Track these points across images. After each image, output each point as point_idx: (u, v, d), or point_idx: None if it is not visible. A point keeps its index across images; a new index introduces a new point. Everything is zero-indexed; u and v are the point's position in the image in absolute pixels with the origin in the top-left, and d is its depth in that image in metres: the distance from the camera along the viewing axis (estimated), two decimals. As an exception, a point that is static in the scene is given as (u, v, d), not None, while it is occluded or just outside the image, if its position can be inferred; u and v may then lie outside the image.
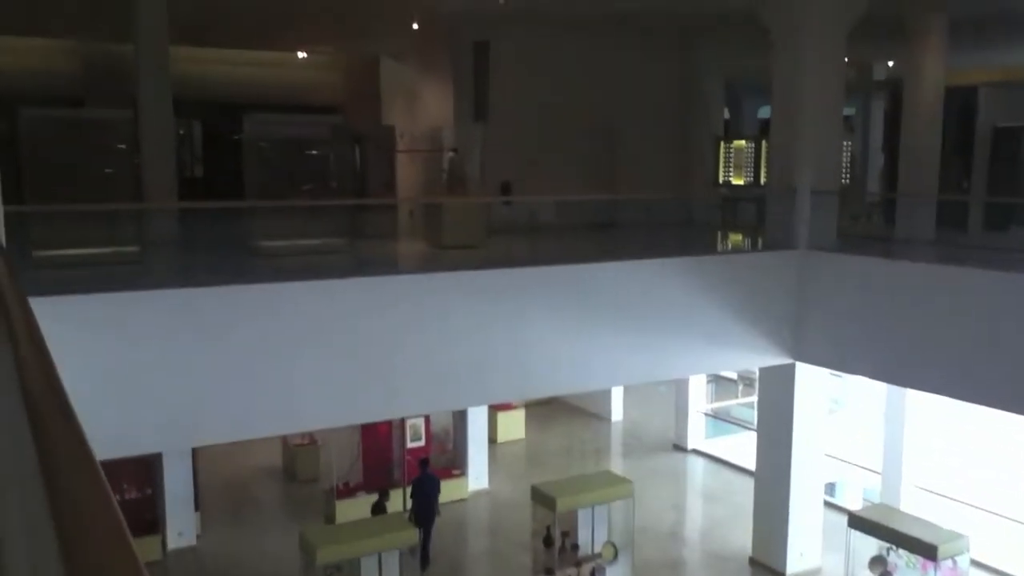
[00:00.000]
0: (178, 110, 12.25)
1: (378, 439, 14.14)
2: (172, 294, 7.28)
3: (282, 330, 7.55)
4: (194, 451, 11.97)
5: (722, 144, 17.23)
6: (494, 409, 15.40)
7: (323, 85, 17.92)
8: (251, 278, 8.03)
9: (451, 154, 13.78)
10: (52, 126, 9.87)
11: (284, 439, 14.10)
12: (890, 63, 17.08)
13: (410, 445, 14.23)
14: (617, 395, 17.76)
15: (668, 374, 12.33)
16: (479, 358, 8.51)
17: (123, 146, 10.15)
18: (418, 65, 16.39)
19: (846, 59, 11.19)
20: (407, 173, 15.53)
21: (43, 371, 1.35)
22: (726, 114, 19.99)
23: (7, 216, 6.50)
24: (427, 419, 14.40)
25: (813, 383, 10.75)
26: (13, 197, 7.71)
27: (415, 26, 13.06)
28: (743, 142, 17.22)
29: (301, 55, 17.22)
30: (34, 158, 9.39)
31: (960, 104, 12.39)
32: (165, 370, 7.06)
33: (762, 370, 11.37)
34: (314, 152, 11.16)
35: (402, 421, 13.98)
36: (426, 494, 11.83)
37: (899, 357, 9.46)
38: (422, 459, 12.59)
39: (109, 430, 6.75)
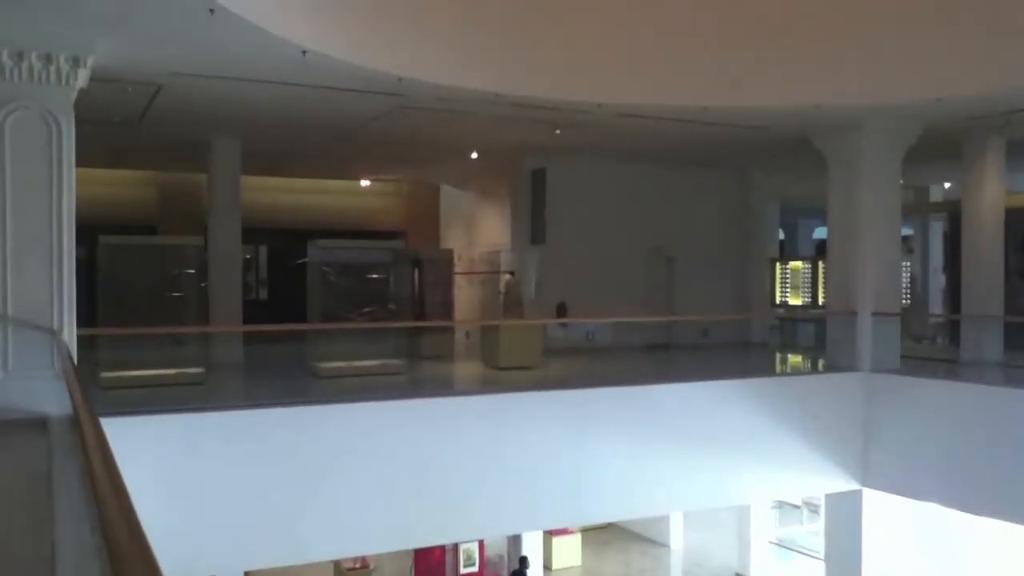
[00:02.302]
0: (245, 236, 12.76)
1: (431, 563, 13.89)
2: (230, 415, 7.40)
3: (334, 451, 7.60)
4: (246, 574, 11.88)
5: (778, 265, 17.24)
6: (549, 534, 15.04)
7: (384, 211, 18.51)
8: (308, 399, 8.15)
9: (508, 276, 14.00)
10: (127, 252, 10.32)
11: (337, 563, 13.91)
12: (947, 184, 17.10)
13: (463, 571, 13.95)
14: (676, 520, 17.24)
15: (729, 499, 11.99)
16: (534, 481, 8.41)
17: (192, 271, 10.54)
18: (477, 191, 16.88)
19: (902, 181, 11.27)
20: (465, 295, 15.78)
21: (113, 488, 1.41)
22: (781, 235, 20.04)
23: (80, 338, 6.78)
24: (481, 544, 14.14)
25: (882, 510, 10.34)
26: (86, 320, 8.05)
27: (474, 155, 13.52)
28: (799, 263, 17.22)
29: (364, 183, 17.88)
30: (110, 283, 9.81)
31: (1022, 224, 12.27)
32: (220, 491, 7.11)
33: (828, 496, 10.99)
34: (374, 275, 11.45)
35: (455, 546, 13.75)
36: None
37: (969, 483, 9.12)
38: (522, 557, 13.07)
39: (164, 550, 6.78)
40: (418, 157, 14.26)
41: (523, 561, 13.26)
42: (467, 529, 9.26)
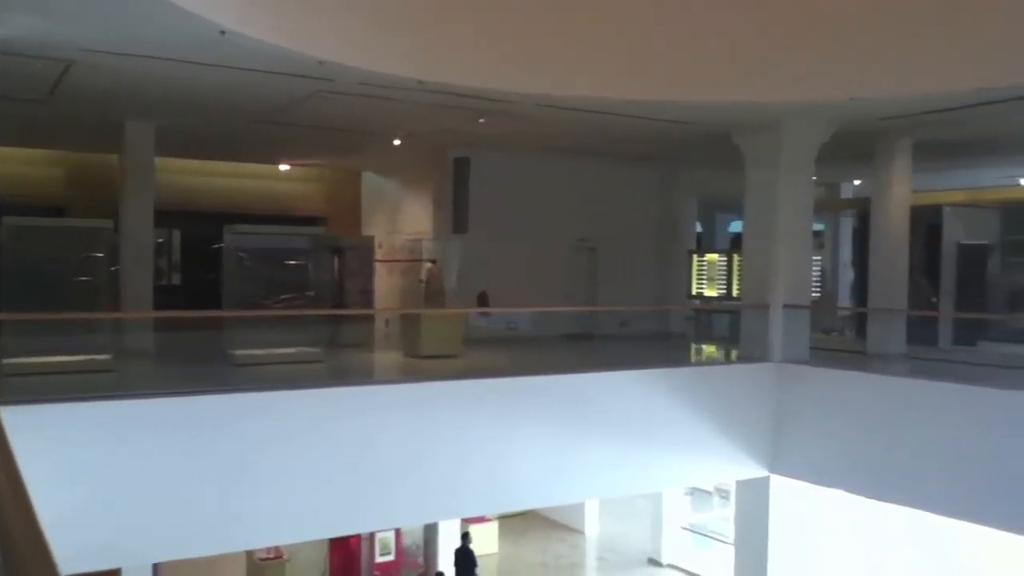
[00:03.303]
0: (159, 219, 12.42)
1: (346, 553, 13.78)
2: (140, 403, 7.19)
3: (248, 440, 7.45)
4: (155, 567, 11.58)
5: (695, 258, 17.58)
6: (467, 522, 15.08)
7: (304, 197, 18.21)
8: (222, 387, 7.96)
9: (429, 265, 13.94)
10: (33, 234, 9.92)
11: (249, 554, 13.68)
12: (857, 182, 17.69)
13: (379, 559, 13.89)
14: (592, 507, 17.50)
15: (644, 487, 12.22)
16: (454, 470, 8.41)
17: (102, 255, 10.20)
18: (399, 178, 16.75)
19: (815, 178, 11.62)
20: (386, 283, 15.67)
21: (8, 477, 1.35)
22: (699, 228, 20.43)
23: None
24: (397, 532, 14.10)
25: (789, 496, 10.66)
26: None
27: (397, 142, 13.40)
28: (715, 256, 17.59)
29: (283, 167, 17.54)
30: (14, 266, 9.41)
31: (926, 222, 12.78)
32: (129, 481, 6.92)
33: (738, 483, 11.30)
34: (293, 262, 11.27)
35: (371, 535, 13.68)
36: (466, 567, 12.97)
37: (873, 470, 9.46)
38: (464, 533, 13.58)
39: (71, 542, 6.57)
40: (340, 143, 14.06)
41: (465, 537, 13.62)
42: (385, 518, 9.21)
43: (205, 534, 7.32)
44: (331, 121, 11.87)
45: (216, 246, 12.13)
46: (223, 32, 7.20)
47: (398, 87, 9.30)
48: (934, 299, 12.87)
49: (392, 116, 11.37)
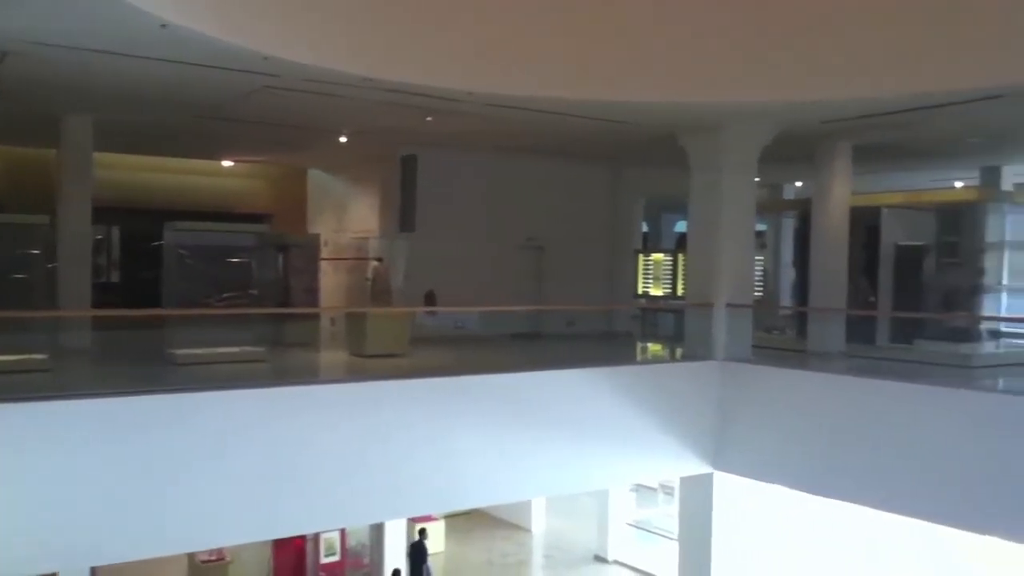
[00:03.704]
0: (97, 216, 12.15)
1: (291, 554, 13.65)
2: (77, 403, 7.01)
3: (189, 441, 7.32)
4: (93, 571, 11.33)
5: (641, 257, 17.75)
6: (413, 522, 15.04)
7: (248, 193, 17.97)
8: (162, 387, 7.82)
9: (376, 263, 13.86)
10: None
11: (191, 556, 13.46)
12: (798, 183, 18.03)
13: (324, 560, 13.78)
14: (538, 505, 17.57)
15: (591, 484, 12.30)
16: (399, 469, 8.37)
17: (38, 251, 9.95)
18: (346, 175, 16.62)
19: (758, 179, 11.82)
20: (331, 282, 15.53)
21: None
22: (645, 228, 20.62)
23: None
24: (343, 533, 14.00)
25: (732, 493, 10.83)
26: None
27: (343, 139, 13.28)
28: (661, 255, 17.78)
29: (227, 163, 17.28)
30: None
31: (865, 224, 13.05)
32: (66, 484, 6.75)
33: (682, 480, 11.44)
34: (236, 260, 11.10)
35: (316, 535, 13.57)
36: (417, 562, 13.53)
37: (813, 466, 9.65)
38: (421, 528, 13.93)
39: (6, 546, 6.41)
40: (285, 139, 13.89)
41: (422, 532, 13.95)
42: (330, 518, 9.13)
43: (145, 537, 7.18)
44: (276, 117, 11.72)
45: (157, 243, 11.90)
46: (164, 25, 7.06)
47: (345, 84, 9.22)
48: (872, 299, 13.16)
49: (339, 113, 11.27)
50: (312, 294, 13.58)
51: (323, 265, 14.85)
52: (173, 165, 16.81)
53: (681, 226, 21.41)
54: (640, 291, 17.69)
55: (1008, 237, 13.79)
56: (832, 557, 12.18)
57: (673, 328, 14.90)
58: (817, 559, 12.25)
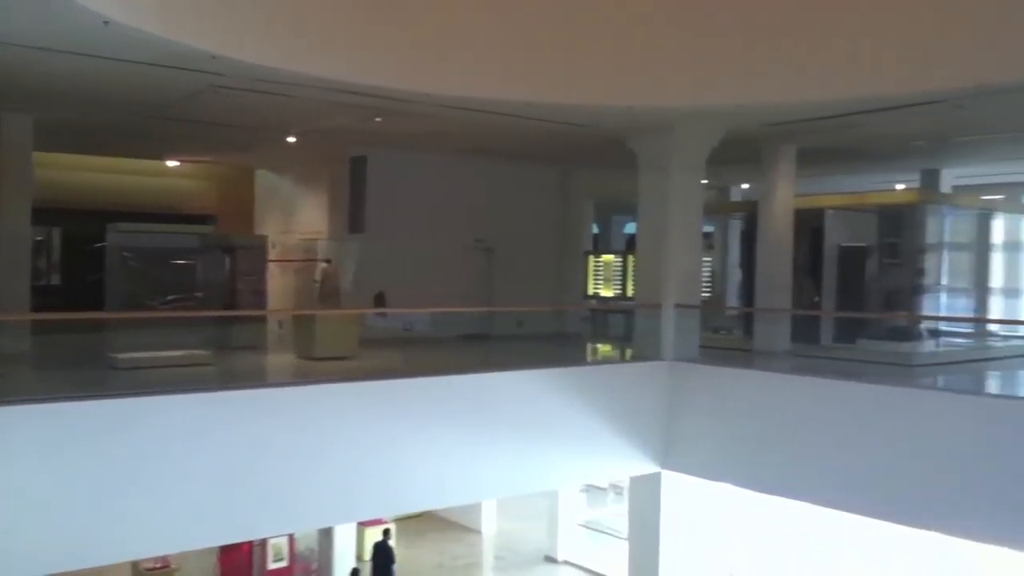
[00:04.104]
0: (37, 216, 11.86)
1: (237, 560, 13.45)
2: (16, 410, 6.81)
3: (131, 448, 7.15)
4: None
5: (591, 259, 17.86)
6: (362, 525, 14.93)
7: (194, 194, 17.67)
8: (104, 392, 7.65)
9: (324, 265, 13.73)
10: None
11: (135, 564, 13.19)
12: (745, 185, 18.30)
13: (272, 566, 13.62)
14: (489, 507, 17.57)
15: (541, 485, 12.32)
16: (348, 473, 8.30)
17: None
18: (294, 176, 16.44)
19: (705, 181, 11.98)
20: (279, 284, 15.35)
21: None
22: (595, 230, 20.75)
23: None
24: (291, 538, 13.84)
25: (681, 491, 10.94)
26: None
27: (291, 139, 13.14)
28: (611, 257, 17.91)
29: (172, 163, 16.98)
30: None
31: (809, 225, 13.29)
32: (4, 493, 6.56)
33: (631, 479, 11.52)
34: (180, 262, 10.92)
35: (264, 541, 13.40)
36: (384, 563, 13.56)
37: (759, 464, 9.79)
38: (385, 528, 13.87)
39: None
40: (232, 139, 13.69)
41: (386, 533, 13.88)
42: (277, 523, 9.01)
43: (86, 546, 7.00)
44: (224, 117, 11.55)
45: (99, 245, 11.66)
46: (107, 22, 6.92)
47: (294, 84, 9.12)
48: (816, 299, 13.41)
49: (287, 113, 11.15)
50: (259, 296, 13.41)
51: (271, 267, 14.68)
52: (116, 165, 16.46)
53: (631, 228, 21.57)
54: (590, 292, 17.80)
55: (947, 238, 14.18)
56: (779, 554, 12.39)
57: (623, 329, 15.01)
58: (764, 556, 12.45)
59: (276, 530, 11.53)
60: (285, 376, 10.68)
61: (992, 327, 14.75)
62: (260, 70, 8.52)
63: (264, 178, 17.64)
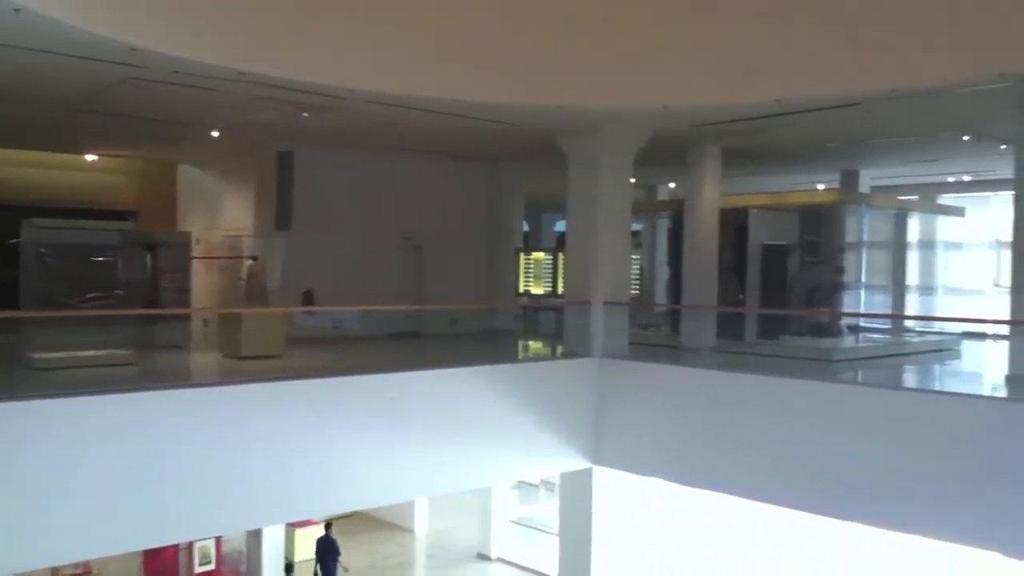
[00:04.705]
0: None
1: (162, 564, 13.16)
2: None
3: (49, 451, 6.94)
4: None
5: (522, 256, 17.92)
6: (292, 526, 14.73)
7: (114, 189, 17.19)
8: (19, 394, 7.39)
9: (250, 262, 13.50)
10: None
11: (54, 571, 12.79)
12: (672, 185, 18.59)
13: (199, 570, 13.36)
14: (421, 505, 17.51)
15: (473, 483, 12.33)
16: (276, 474, 8.18)
17: None
18: (218, 171, 16.11)
19: (633, 180, 12.13)
20: (203, 281, 15.04)
21: None
22: (526, 227, 20.82)
23: None
24: (218, 540, 13.59)
25: (612, 486, 11.07)
26: None
27: (215, 134, 12.87)
28: (542, 254, 18.00)
29: (91, 157, 16.48)
30: None
31: (734, 224, 13.57)
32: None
33: (563, 475, 11.61)
34: (100, 259, 10.61)
35: (190, 544, 13.13)
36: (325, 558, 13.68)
37: (687, 458, 9.97)
38: (327, 523, 13.86)
39: None
40: (154, 133, 13.33)
41: (328, 527, 13.94)
42: (203, 527, 8.82)
43: (4, 553, 6.77)
44: (145, 110, 11.24)
45: (14, 241, 11.25)
46: (18, 9, 6.67)
47: (218, 77, 8.94)
48: (741, 296, 13.70)
49: (211, 107, 10.92)
50: (183, 294, 13.12)
51: (195, 264, 14.37)
52: (32, 159, 15.92)
53: (561, 226, 21.72)
54: (521, 289, 17.87)
55: (865, 237, 14.65)
56: (710, 547, 12.63)
57: (554, 326, 15.12)
58: (695, 549, 12.68)
59: (202, 533, 11.30)
60: (210, 376, 10.47)
61: (908, 323, 15.28)
62: (182, 63, 8.33)
63: (188, 173, 17.25)
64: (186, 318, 13.37)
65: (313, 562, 14.01)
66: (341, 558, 13.92)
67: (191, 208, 16.96)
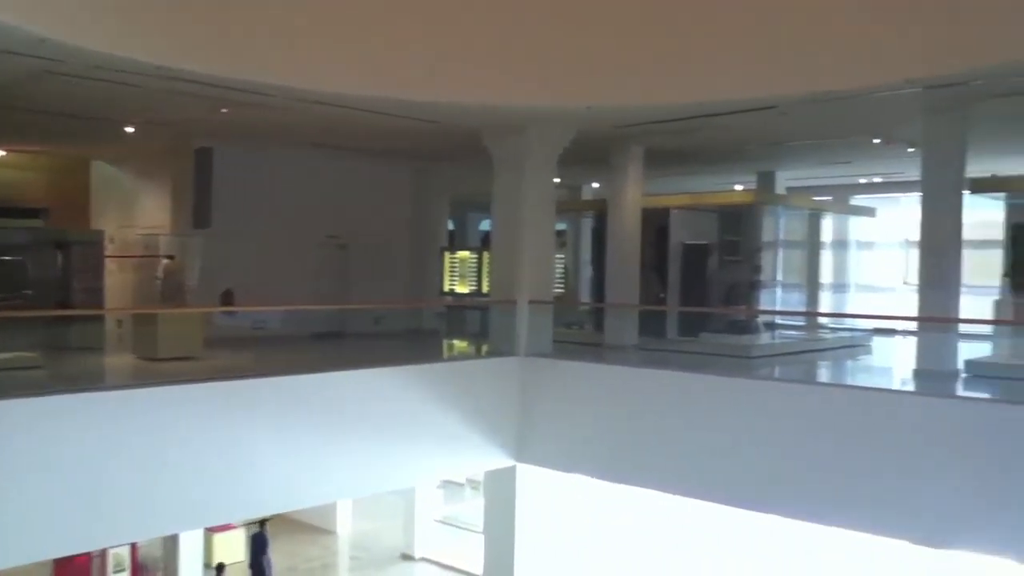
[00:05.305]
0: None
1: (74, 573, 12.74)
2: None
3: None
4: None
5: (447, 255, 17.87)
6: (210, 531, 14.42)
7: (21, 185, 16.54)
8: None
9: (167, 261, 13.16)
10: None
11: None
12: (595, 185, 18.79)
13: (113, 577, 12.96)
14: (344, 507, 17.34)
15: (397, 483, 12.28)
16: (193, 478, 8.00)
17: None
18: (134, 168, 15.67)
19: (558, 180, 12.22)
20: (118, 281, 14.60)
21: None
22: (451, 226, 20.77)
23: None
24: (134, 547, 13.23)
25: (536, 484, 11.13)
26: None
27: (130, 130, 12.50)
28: (467, 253, 17.97)
29: (-2, 152, 15.84)
30: None
31: (655, 224, 13.78)
32: None
33: (487, 474, 11.63)
34: (7, 258, 10.21)
35: (104, 551, 12.75)
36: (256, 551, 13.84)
37: (610, 455, 10.10)
38: (262, 520, 13.76)
39: None
40: (66, 128, 12.87)
41: (263, 524, 13.91)
42: (119, 533, 8.57)
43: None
44: (56, 104, 10.85)
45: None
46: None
47: (133, 72, 8.68)
48: (662, 294, 13.92)
49: (126, 102, 10.60)
50: (96, 294, 12.72)
51: (109, 263, 13.96)
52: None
53: (486, 225, 21.72)
54: (446, 288, 17.82)
55: (781, 237, 15.03)
56: (634, 543, 12.78)
57: (479, 325, 15.13)
58: (619, 545, 12.82)
59: (116, 540, 10.98)
60: (124, 378, 10.18)
61: (822, 320, 15.75)
62: (96, 56, 8.07)
63: (101, 169, 16.71)
64: (99, 319, 12.95)
65: (247, 560, 14.00)
66: (270, 554, 13.98)
67: (105, 205, 16.43)
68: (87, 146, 15.37)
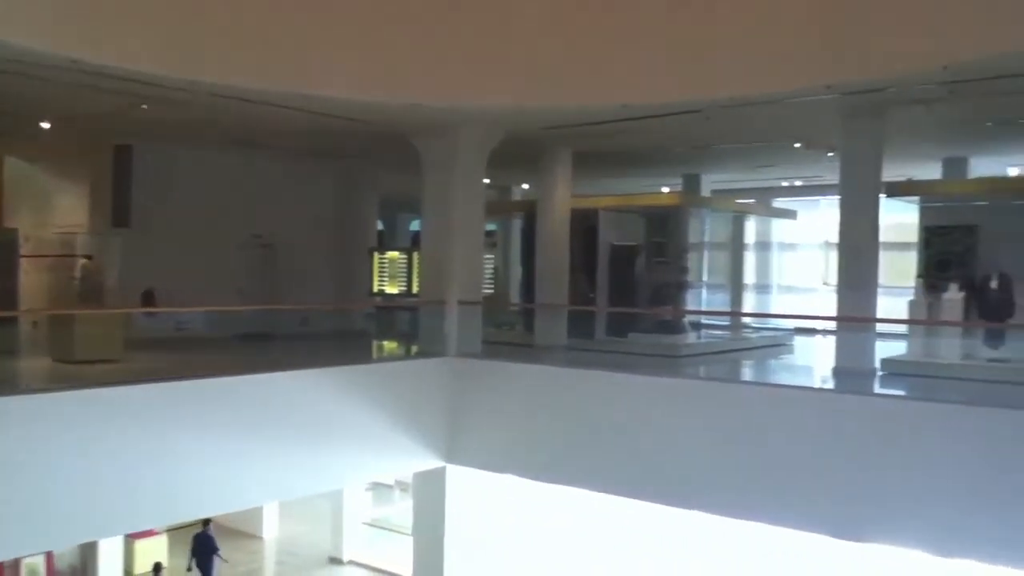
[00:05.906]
0: None
1: (-14, 585, 12.25)
2: None
3: None
4: None
5: (376, 255, 17.75)
6: (131, 537, 14.04)
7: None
8: None
9: (85, 261, 12.78)
10: None
11: None
12: (525, 186, 18.87)
13: (28, 588, 12.53)
14: (271, 511, 17.06)
15: (325, 485, 12.15)
16: (113, 483, 7.78)
17: None
18: (50, 165, 15.16)
19: (488, 181, 12.23)
20: (33, 281, 14.11)
21: None
22: (381, 226, 20.63)
23: None
24: (49, 556, 12.81)
25: (465, 485, 11.12)
26: None
27: (45, 125, 12.09)
28: (396, 253, 17.88)
29: (-98, 147, 15.15)
30: None
31: (584, 224, 13.90)
32: None
33: (416, 475, 11.58)
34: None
35: (16, 560, 12.31)
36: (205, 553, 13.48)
37: (539, 454, 10.15)
38: (206, 520, 13.47)
39: None
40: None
41: (207, 523, 13.65)
42: (33, 541, 8.27)
43: None
44: (-37, 98, 10.45)
45: None
46: None
47: (48, 65, 8.39)
48: (591, 295, 14.05)
49: (41, 96, 10.26)
50: (9, 295, 12.28)
51: (23, 263, 13.49)
52: None
53: (416, 225, 21.62)
54: (376, 289, 17.68)
55: (707, 238, 15.32)
56: (564, 543, 12.84)
57: (409, 325, 15.04)
58: (549, 546, 12.87)
59: (30, 548, 10.61)
60: (39, 382, 9.85)
61: (746, 320, 16.09)
62: (5, 48, 7.76)
63: (14, 166, 16.11)
64: (13, 320, 12.49)
65: (188, 560, 13.70)
66: (221, 552, 13.71)
67: (19, 203, 15.85)
68: (-1, 142, 14.83)
